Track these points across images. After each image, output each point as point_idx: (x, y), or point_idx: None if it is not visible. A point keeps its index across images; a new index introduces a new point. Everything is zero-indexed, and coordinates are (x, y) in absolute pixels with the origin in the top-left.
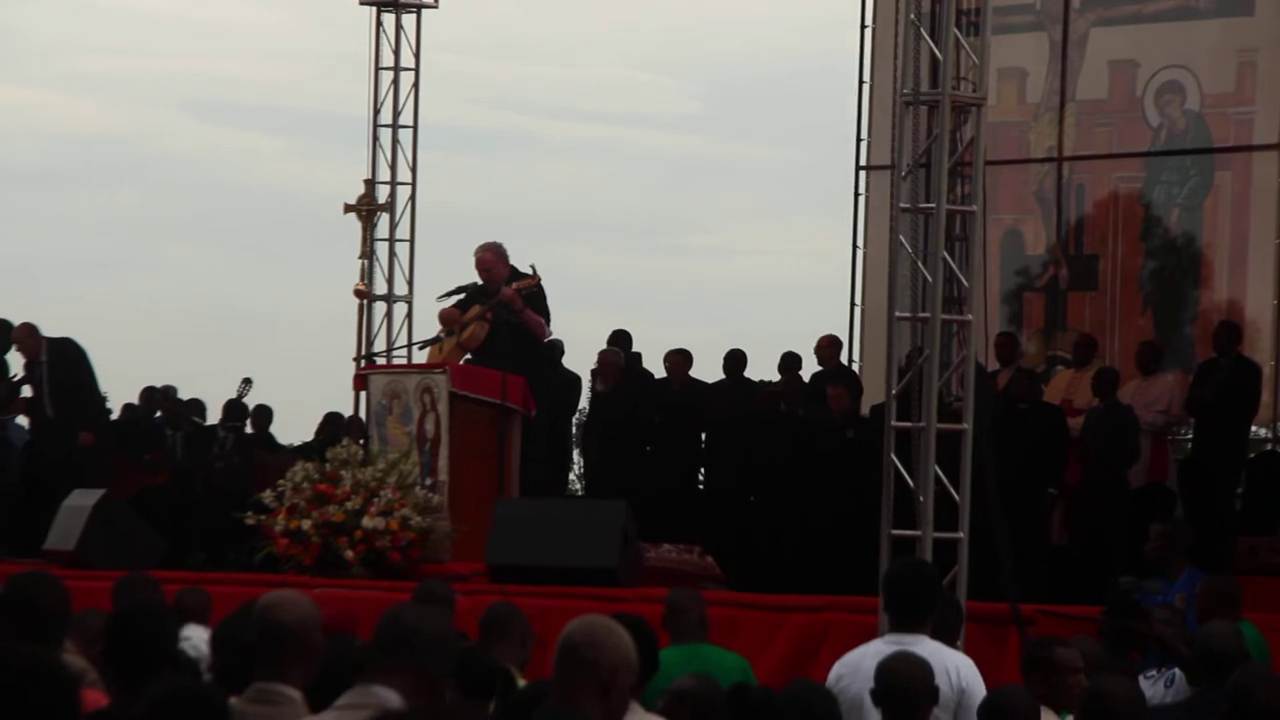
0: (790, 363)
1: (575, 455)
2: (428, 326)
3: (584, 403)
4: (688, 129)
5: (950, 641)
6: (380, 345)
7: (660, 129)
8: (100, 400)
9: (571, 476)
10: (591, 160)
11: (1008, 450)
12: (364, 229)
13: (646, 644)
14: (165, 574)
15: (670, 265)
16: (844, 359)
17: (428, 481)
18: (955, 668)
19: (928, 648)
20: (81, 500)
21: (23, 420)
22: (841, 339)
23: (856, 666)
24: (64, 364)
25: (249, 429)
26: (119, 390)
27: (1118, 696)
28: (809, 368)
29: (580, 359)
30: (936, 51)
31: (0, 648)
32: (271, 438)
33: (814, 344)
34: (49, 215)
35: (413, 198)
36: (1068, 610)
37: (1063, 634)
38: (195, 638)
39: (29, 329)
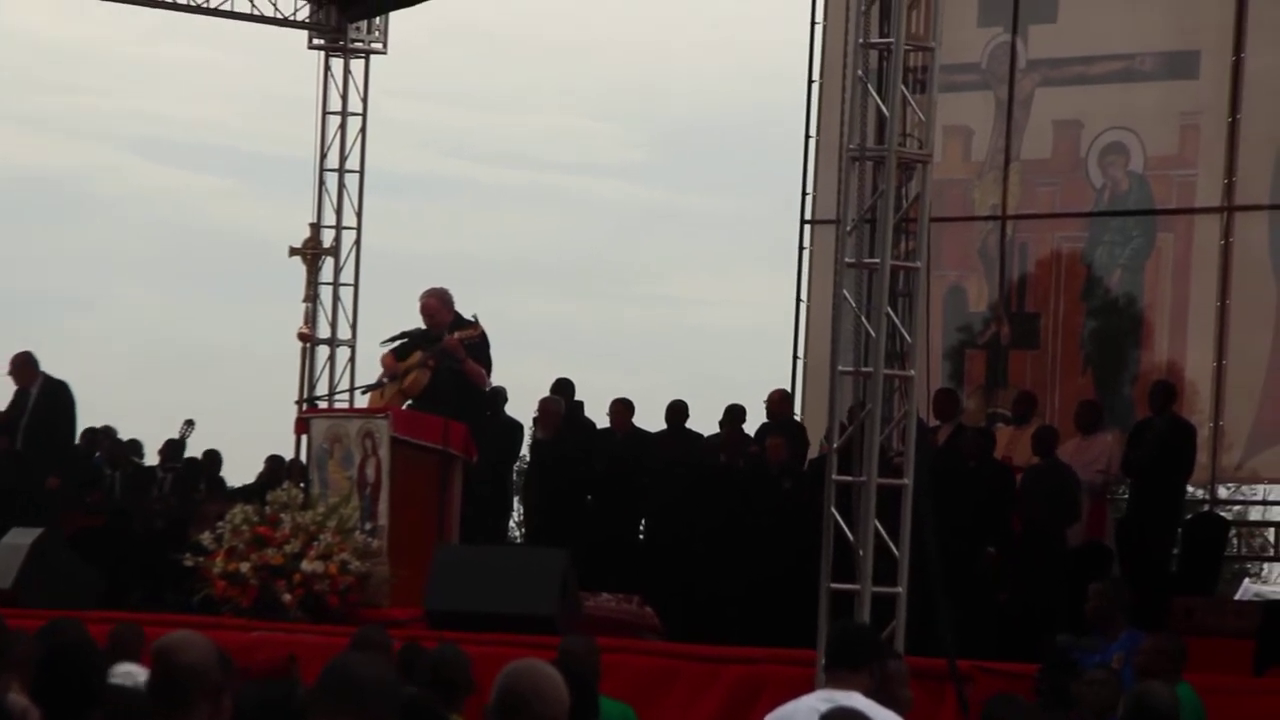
0: (733, 415)
1: (516, 502)
2: (370, 371)
3: (525, 450)
4: (634, 178)
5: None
6: (323, 389)
7: (607, 177)
8: (71, 450)
9: (512, 524)
10: (537, 208)
11: (954, 507)
12: (308, 272)
13: (587, 694)
14: (102, 614)
15: (615, 314)
16: None
17: (367, 526)
18: None
19: (859, 704)
20: (20, 539)
21: None
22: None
23: None
24: (53, 405)
25: (196, 473)
26: None
27: None
28: (755, 418)
29: (522, 407)
30: (883, 108)
31: None
32: (222, 482)
33: (764, 397)
34: None
35: (357, 242)
36: (1005, 667)
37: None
38: (135, 672)
39: (28, 357)
